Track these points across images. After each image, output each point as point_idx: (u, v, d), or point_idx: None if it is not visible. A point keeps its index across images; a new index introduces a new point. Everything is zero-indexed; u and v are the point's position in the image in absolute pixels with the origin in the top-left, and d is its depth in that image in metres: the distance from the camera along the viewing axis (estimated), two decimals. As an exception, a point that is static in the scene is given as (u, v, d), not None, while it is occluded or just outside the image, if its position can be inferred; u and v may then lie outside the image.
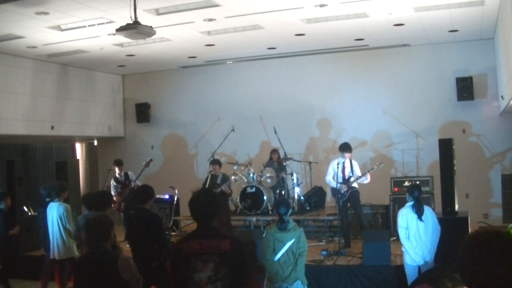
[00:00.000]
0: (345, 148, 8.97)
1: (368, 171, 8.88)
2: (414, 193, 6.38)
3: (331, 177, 8.90)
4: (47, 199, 7.66)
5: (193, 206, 3.57)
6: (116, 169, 10.49)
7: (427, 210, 6.38)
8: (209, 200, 3.57)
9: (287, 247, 5.41)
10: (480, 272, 1.90)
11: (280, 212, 5.56)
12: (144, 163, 10.55)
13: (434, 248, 6.32)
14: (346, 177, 8.86)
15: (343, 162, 8.90)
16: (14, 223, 8.08)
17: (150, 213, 5.79)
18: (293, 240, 5.43)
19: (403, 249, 6.44)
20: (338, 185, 8.74)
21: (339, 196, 8.81)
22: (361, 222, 8.99)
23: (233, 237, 3.61)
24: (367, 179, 8.85)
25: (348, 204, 9.01)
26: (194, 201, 3.59)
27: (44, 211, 7.59)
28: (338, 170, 8.76)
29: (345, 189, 8.80)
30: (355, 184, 8.86)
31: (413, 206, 6.34)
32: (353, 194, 8.86)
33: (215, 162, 9.33)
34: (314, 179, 11.25)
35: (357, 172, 8.94)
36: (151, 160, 10.79)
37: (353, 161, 9.02)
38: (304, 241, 5.58)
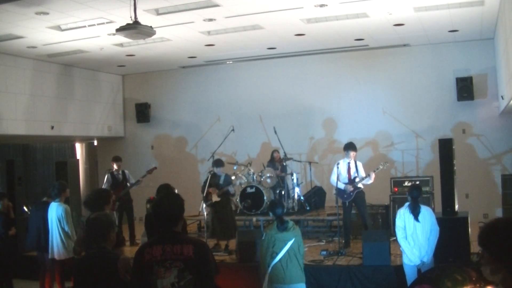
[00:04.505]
0: (350, 147, 8.87)
1: (374, 171, 8.74)
2: (413, 193, 6.41)
3: (336, 177, 8.73)
4: (44, 199, 7.66)
5: (157, 210, 3.50)
6: (114, 166, 10.36)
7: (425, 210, 6.37)
8: (173, 204, 3.49)
9: (288, 246, 5.42)
10: None
11: (278, 213, 5.59)
12: (147, 170, 10.48)
13: (432, 249, 6.31)
14: (352, 178, 8.80)
15: (348, 163, 8.83)
16: (12, 224, 8.05)
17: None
18: (293, 239, 5.46)
19: (401, 249, 6.45)
20: (344, 185, 8.72)
21: (345, 196, 8.77)
22: (366, 222, 8.88)
23: (196, 242, 3.52)
24: (371, 179, 8.72)
25: (353, 204, 8.97)
26: (158, 205, 3.51)
27: (38, 210, 7.58)
28: (342, 170, 8.73)
29: (351, 190, 8.73)
30: (360, 185, 8.79)
31: (409, 206, 6.37)
32: (359, 194, 8.79)
33: (219, 162, 9.26)
34: (314, 179, 11.24)
35: (362, 172, 8.85)
36: (155, 168, 10.70)
37: (357, 162, 8.95)
38: (301, 239, 5.65)
